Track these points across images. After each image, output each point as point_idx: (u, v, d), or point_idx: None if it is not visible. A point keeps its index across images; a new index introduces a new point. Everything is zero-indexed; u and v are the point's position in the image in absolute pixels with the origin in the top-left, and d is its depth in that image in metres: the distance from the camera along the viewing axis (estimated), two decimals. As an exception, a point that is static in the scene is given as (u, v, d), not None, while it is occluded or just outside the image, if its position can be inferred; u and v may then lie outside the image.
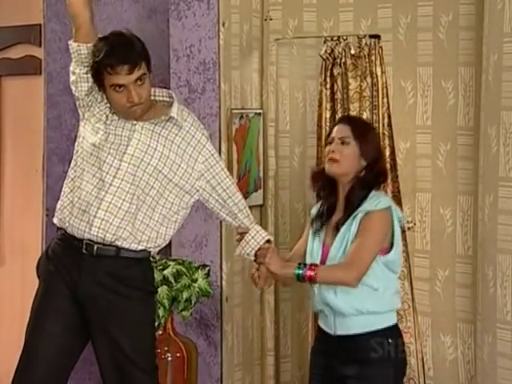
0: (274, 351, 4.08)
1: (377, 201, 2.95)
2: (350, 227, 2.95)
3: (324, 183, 3.08)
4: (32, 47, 4.50)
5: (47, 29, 4.31)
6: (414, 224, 3.88)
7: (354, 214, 2.95)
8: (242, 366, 3.98)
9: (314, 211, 3.13)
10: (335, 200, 3.05)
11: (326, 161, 3.04)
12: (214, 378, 3.84)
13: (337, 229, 2.98)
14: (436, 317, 3.84)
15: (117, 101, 2.95)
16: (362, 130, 3.04)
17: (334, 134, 3.05)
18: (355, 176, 3.00)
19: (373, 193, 2.99)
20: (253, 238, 3.09)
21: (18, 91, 4.61)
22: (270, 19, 4.10)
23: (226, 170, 3.13)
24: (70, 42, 3.01)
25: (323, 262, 3.01)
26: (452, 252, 3.81)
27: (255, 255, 3.06)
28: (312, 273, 2.89)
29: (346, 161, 2.99)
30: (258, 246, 3.07)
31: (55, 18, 4.29)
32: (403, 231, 3.08)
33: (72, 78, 3.03)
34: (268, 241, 3.10)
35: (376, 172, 3.01)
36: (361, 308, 2.94)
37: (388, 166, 3.79)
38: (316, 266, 2.93)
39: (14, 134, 4.65)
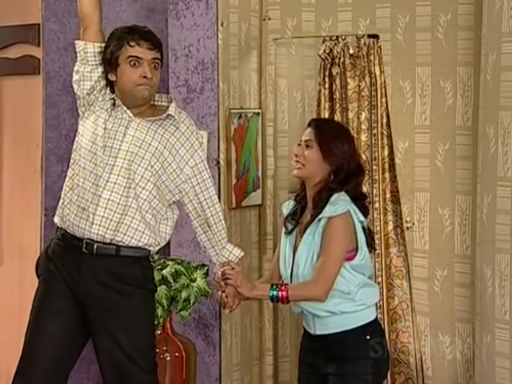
0: (272, 351, 4.08)
1: (336, 205, 2.96)
2: (315, 234, 2.97)
3: (301, 185, 3.12)
4: (30, 47, 4.49)
5: (46, 28, 4.31)
6: (413, 224, 3.88)
7: (318, 218, 2.97)
8: (241, 365, 3.98)
9: (285, 211, 3.16)
10: (305, 202, 3.08)
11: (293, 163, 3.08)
12: (213, 378, 3.84)
13: (304, 231, 3.02)
14: (434, 316, 3.84)
15: (129, 76, 2.99)
16: (326, 134, 3.04)
17: (302, 136, 3.10)
18: (323, 179, 3.02)
19: (334, 196, 2.99)
20: (227, 259, 3.11)
21: (16, 91, 4.60)
22: (269, 19, 4.10)
23: (211, 178, 3.13)
24: (76, 41, 3.07)
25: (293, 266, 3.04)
26: (450, 252, 3.81)
27: (222, 274, 3.04)
28: (283, 293, 2.93)
29: (308, 164, 3.03)
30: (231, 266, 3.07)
31: (54, 17, 4.29)
32: (366, 233, 3.04)
33: (75, 76, 3.08)
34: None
35: (341, 179, 3.01)
36: (335, 311, 2.97)
37: (387, 165, 3.81)
38: (285, 285, 2.96)
39: (13, 134, 4.64)
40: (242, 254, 3.17)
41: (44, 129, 4.32)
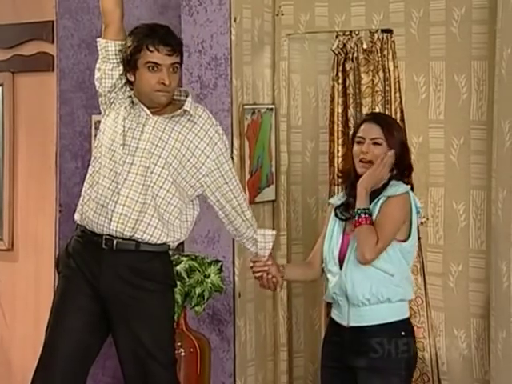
0: (286, 346, 4.08)
1: (397, 187, 3.01)
2: (372, 211, 3.00)
3: (351, 181, 3.11)
4: (44, 44, 4.51)
5: (59, 25, 4.32)
6: (427, 219, 3.86)
7: (376, 200, 3.00)
8: (255, 361, 3.99)
9: (334, 201, 3.18)
10: (354, 199, 3.07)
11: (356, 161, 3.06)
12: (227, 374, 3.84)
13: None
14: (449, 312, 3.83)
15: (147, 81, 2.98)
16: (391, 129, 3.08)
17: (362, 133, 3.07)
18: None
19: (393, 181, 3.05)
20: (264, 243, 3.14)
21: (30, 88, 4.62)
22: (282, 14, 4.09)
23: (233, 169, 3.14)
24: (98, 39, 3.08)
25: (342, 249, 3.05)
26: (465, 246, 3.80)
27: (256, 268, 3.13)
28: (363, 222, 2.94)
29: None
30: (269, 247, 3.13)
31: (67, 14, 4.30)
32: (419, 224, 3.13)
33: (97, 74, 3.08)
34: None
35: (403, 168, 3.08)
36: (376, 293, 2.96)
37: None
38: (371, 221, 2.95)
39: (27, 131, 4.66)
40: (274, 234, 3.17)
41: (58, 125, 4.33)
